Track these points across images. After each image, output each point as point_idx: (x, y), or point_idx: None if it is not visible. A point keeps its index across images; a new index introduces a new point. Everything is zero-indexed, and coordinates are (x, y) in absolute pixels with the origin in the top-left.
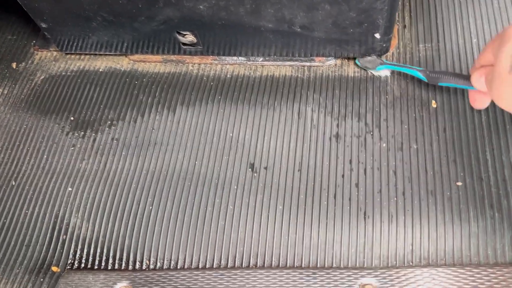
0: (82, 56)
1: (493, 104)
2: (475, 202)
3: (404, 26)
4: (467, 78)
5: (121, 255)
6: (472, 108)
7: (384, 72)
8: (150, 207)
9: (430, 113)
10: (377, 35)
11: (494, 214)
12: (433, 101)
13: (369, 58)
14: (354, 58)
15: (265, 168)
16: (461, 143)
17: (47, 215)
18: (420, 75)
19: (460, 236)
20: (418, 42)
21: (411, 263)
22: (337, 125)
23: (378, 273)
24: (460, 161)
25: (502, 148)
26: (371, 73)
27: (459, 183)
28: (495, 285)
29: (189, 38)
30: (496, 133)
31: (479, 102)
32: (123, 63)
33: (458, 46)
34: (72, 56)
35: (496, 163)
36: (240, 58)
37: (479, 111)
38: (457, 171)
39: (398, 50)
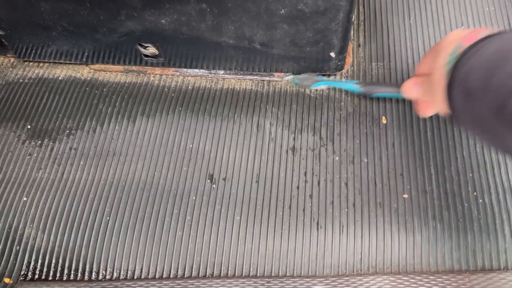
0: (41, 64)
1: (436, 122)
2: (419, 214)
3: (359, 45)
4: (399, 87)
5: (77, 265)
6: (418, 125)
7: (321, 88)
8: (108, 218)
9: (380, 129)
10: (332, 54)
11: (436, 225)
12: (383, 117)
13: (305, 76)
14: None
15: (224, 179)
16: (408, 158)
17: (0, 225)
18: (356, 88)
19: (405, 245)
20: (371, 60)
21: (359, 271)
22: (294, 139)
23: (329, 281)
24: (406, 175)
25: (444, 163)
26: (308, 90)
27: (406, 196)
28: None
29: (151, 50)
30: (439, 149)
31: (424, 110)
32: (84, 72)
33: (408, 65)
34: (31, 63)
35: (439, 177)
36: (201, 70)
37: (425, 128)
38: (403, 184)
39: (352, 68)
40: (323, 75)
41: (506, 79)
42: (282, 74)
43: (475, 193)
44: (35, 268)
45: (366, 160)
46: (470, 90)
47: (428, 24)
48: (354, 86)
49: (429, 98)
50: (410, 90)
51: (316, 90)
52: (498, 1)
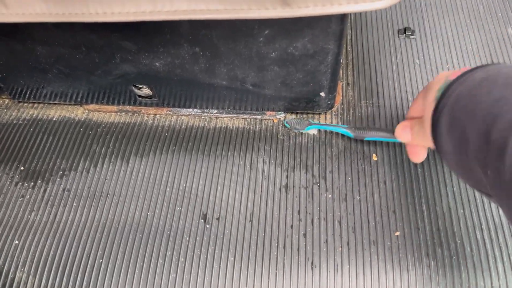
0: (36, 105)
1: (428, 158)
2: (413, 251)
3: (348, 84)
4: (391, 131)
5: None
6: (409, 162)
7: (312, 131)
8: (100, 260)
9: (371, 166)
10: (322, 94)
11: (430, 262)
12: (374, 155)
13: (297, 120)
14: (305, 113)
15: (217, 219)
16: (400, 195)
17: None
18: (347, 132)
19: (400, 284)
20: (360, 98)
21: None
22: (287, 176)
23: None
24: (399, 212)
25: (435, 200)
26: (300, 133)
27: (398, 233)
28: None
29: (145, 91)
30: (430, 185)
31: (416, 155)
32: (78, 112)
33: (396, 104)
34: (25, 104)
35: (431, 214)
36: (195, 110)
37: (415, 165)
38: (396, 221)
39: (342, 106)
40: (313, 113)
41: (492, 106)
42: (274, 112)
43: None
44: None
45: (358, 198)
46: (456, 119)
47: (415, 62)
48: (344, 130)
49: (421, 140)
50: (401, 133)
51: (307, 133)
52: (480, 39)
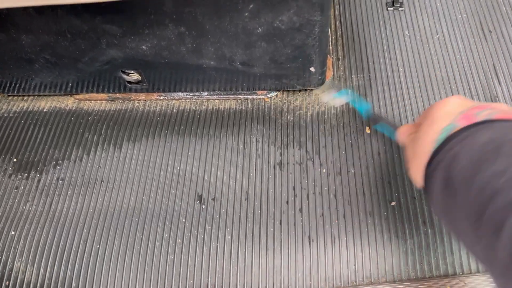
0: (26, 97)
1: None
2: (410, 220)
3: (338, 59)
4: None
5: None
6: None
7: (340, 101)
8: (98, 246)
9: (364, 139)
10: (312, 69)
11: (427, 230)
12: (367, 127)
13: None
14: (296, 90)
15: (213, 199)
16: (394, 165)
17: None
18: (365, 113)
19: (398, 253)
20: (351, 73)
21: (354, 283)
22: (280, 154)
23: None
24: (394, 182)
25: None
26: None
27: (394, 203)
28: None
29: (134, 76)
30: None
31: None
32: (68, 102)
33: (387, 75)
34: (15, 98)
35: None
36: (185, 93)
37: None
38: (391, 192)
39: (333, 81)
40: (305, 90)
41: (492, 177)
42: (265, 91)
43: None
44: None
45: (353, 171)
46: (451, 180)
47: (404, 34)
48: (364, 110)
49: (408, 158)
50: (401, 135)
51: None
52: (470, 8)
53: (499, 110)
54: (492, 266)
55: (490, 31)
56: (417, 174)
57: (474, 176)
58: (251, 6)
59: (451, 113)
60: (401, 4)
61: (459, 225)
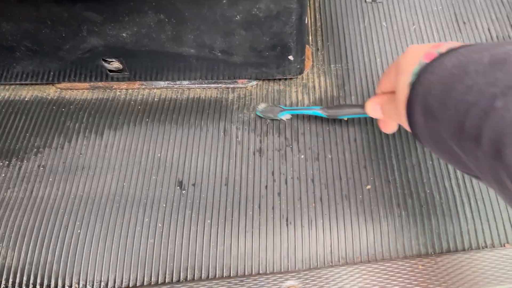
0: (7, 86)
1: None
2: (384, 203)
3: (317, 49)
4: (363, 107)
5: (49, 281)
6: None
7: (285, 117)
8: (79, 231)
9: (342, 126)
10: (291, 57)
11: (401, 212)
12: None
13: (268, 107)
14: (276, 80)
15: (193, 185)
16: (370, 151)
17: None
18: (320, 113)
19: (373, 234)
20: (330, 62)
21: (330, 263)
22: (260, 141)
23: (301, 275)
24: (369, 167)
25: (405, 153)
26: (275, 119)
27: (369, 187)
28: (404, 275)
29: (115, 65)
30: (399, 139)
31: (388, 127)
32: (50, 92)
33: (365, 65)
34: None
35: (401, 167)
36: (166, 82)
37: None
38: (367, 176)
39: (312, 70)
40: (285, 79)
41: (464, 94)
42: (246, 80)
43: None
44: (6, 287)
45: (330, 156)
46: (429, 108)
47: (382, 25)
48: (318, 112)
49: (393, 118)
50: (373, 110)
51: (281, 120)
52: (445, 0)
53: (455, 43)
54: (482, 174)
55: (464, 23)
56: (402, 119)
57: (448, 97)
58: None
59: (415, 57)
60: None
61: (445, 147)
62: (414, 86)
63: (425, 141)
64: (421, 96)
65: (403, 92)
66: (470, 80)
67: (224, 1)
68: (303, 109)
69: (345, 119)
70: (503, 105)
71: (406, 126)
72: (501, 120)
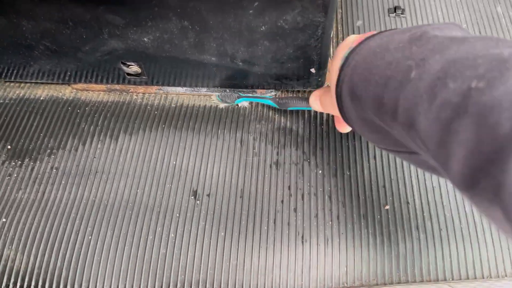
0: (23, 84)
1: None
2: (403, 225)
3: None
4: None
5: (58, 287)
6: None
7: (243, 104)
8: (90, 237)
9: (361, 142)
10: (313, 70)
11: (419, 235)
12: None
13: (227, 93)
14: (295, 91)
15: (208, 195)
16: (389, 170)
17: None
18: (271, 103)
19: (390, 257)
20: None
21: (345, 284)
22: (277, 153)
23: None
24: (388, 186)
25: (425, 174)
26: (232, 106)
27: (387, 207)
28: None
29: (134, 68)
30: None
31: (341, 125)
32: (66, 92)
33: None
34: (12, 84)
35: (420, 188)
36: (184, 88)
37: None
38: (386, 196)
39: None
40: (304, 90)
41: (384, 69)
42: (265, 91)
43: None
44: None
45: (348, 173)
46: (355, 87)
47: None
48: (270, 101)
49: (329, 109)
50: (313, 103)
51: (239, 106)
52: (470, 18)
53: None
54: (412, 141)
55: None
56: (334, 106)
57: (370, 74)
58: (256, 3)
59: (348, 43)
60: (403, 11)
61: (373, 126)
62: (342, 68)
63: (355, 124)
64: (348, 76)
65: (334, 77)
66: (390, 56)
67: (251, 11)
68: (257, 97)
69: (294, 110)
70: (416, 75)
71: (338, 113)
72: (414, 90)
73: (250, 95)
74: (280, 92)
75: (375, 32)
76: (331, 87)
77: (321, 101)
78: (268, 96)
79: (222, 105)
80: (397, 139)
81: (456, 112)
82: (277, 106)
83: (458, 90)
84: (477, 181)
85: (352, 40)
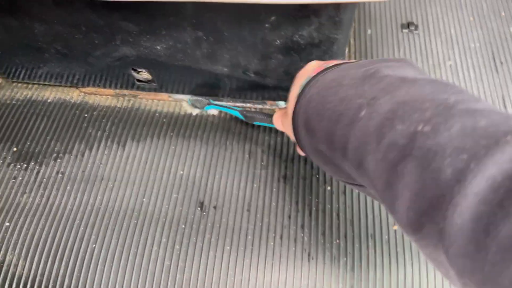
0: (30, 85)
1: None
2: (411, 246)
3: None
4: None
5: None
6: None
7: (211, 112)
8: (94, 245)
9: None
10: None
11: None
12: None
13: (199, 98)
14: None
15: (214, 207)
16: None
17: None
18: (239, 115)
19: (396, 278)
20: None
21: None
22: (286, 167)
23: None
24: None
25: None
26: (201, 112)
27: (396, 227)
28: None
29: (144, 75)
30: None
31: (300, 150)
32: (73, 95)
33: None
34: (19, 84)
35: None
36: (194, 97)
37: None
38: None
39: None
40: None
41: (337, 105)
42: (275, 102)
43: None
44: None
45: (357, 191)
46: (309, 120)
47: (417, 57)
48: (238, 113)
49: (288, 132)
50: (275, 122)
51: (208, 113)
52: (483, 37)
53: (344, 60)
54: (361, 179)
55: (501, 63)
56: (290, 133)
57: (323, 109)
58: (272, 18)
59: (308, 71)
60: (416, 27)
61: (325, 159)
62: (298, 99)
63: (310, 154)
64: (303, 108)
65: (291, 105)
66: (343, 92)
67: (267, 25)
68: (226, 107)
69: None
70: (367, 114)
71: (294, 139)
72: (364, 128)
73: (219, 103)
74: (249, 104)
75: (335, 62)
76: (288, 114)
77: (282, 123)
78: (237, 108)
79: (194, 112)
80: (349, 173)
81: (402, 154)
82: (244, 119)
83: (405, 132)
84: (422, 225)
85: (312, 68)
